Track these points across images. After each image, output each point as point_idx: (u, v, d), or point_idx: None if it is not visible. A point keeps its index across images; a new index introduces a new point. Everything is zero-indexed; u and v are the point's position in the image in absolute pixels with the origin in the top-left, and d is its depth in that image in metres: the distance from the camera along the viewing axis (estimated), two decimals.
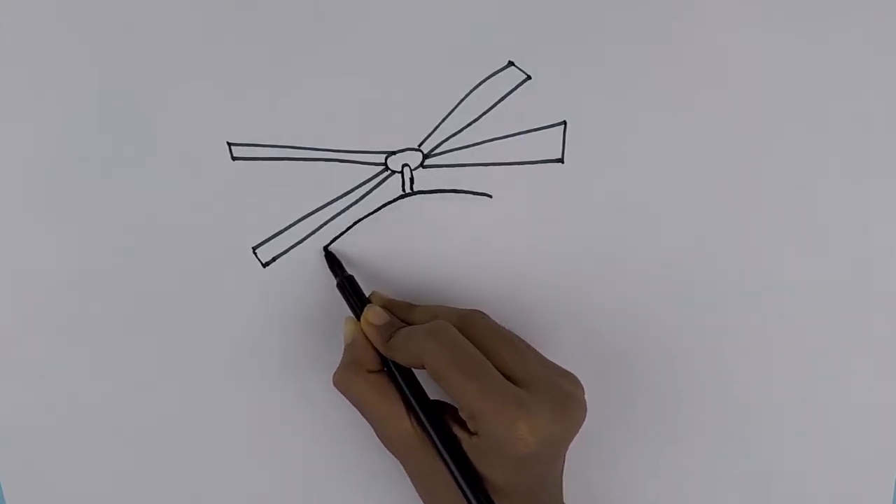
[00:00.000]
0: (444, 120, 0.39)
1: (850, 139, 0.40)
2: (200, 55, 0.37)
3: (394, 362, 0.37)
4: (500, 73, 0.39)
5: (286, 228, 0.40)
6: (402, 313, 0.38)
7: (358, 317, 0.38)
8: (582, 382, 0.37)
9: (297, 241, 0.40)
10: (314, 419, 0.42)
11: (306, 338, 0.41)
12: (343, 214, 0.40)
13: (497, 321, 0.37)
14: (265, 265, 0.40)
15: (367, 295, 0.39)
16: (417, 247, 0.40)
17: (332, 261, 0.39)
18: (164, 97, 0.38)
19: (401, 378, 0.36)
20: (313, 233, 0.40)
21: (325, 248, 0.40)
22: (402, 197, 0.40)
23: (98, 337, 0.40)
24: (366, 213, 0.40)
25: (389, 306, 0.38)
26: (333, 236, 0.40)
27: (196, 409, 0.41)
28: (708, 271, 0.42)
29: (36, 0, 0.36)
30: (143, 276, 0.40)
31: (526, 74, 0.39)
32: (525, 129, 0.40)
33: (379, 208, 0.40)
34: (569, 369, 0.37)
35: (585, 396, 0.36)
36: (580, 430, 0.36)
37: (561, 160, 0.40)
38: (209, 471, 0.42)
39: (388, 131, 0.39)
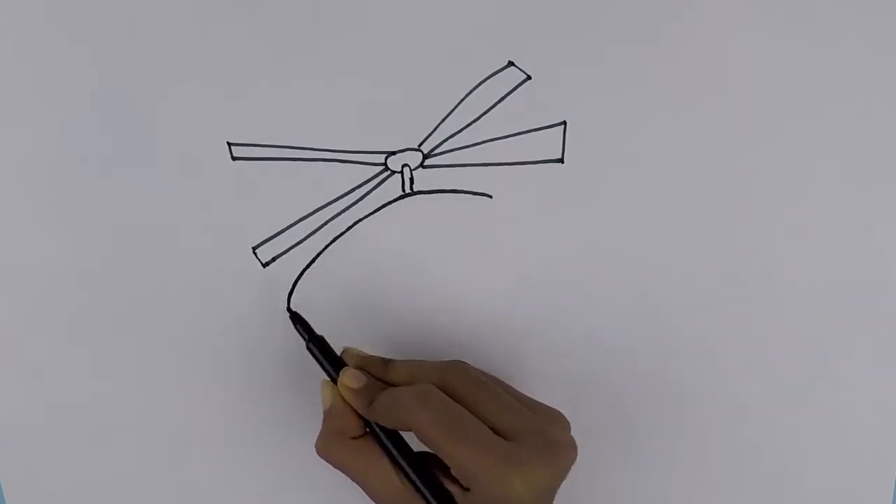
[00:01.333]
0: (444, 120, 0.39)
1: (850, 139, 0.40)
2: (200, 55, 0.37)
3: (371, 428, 0.36)
4: (500, 73, 0.39)
5: (286, 228, 0.40)
6: (378, 370, 0.37)
7: (333, 379, 0.37)
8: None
9: (297, 241, 0.40)
10: (314, 419, 0.42)
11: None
12: (343, 214, 0.40)
13: (480, 366, 0.37)
14: (265, 265, 0.40)
15: (338, 354, 0.38)
16: (417, 247, 0.40)
17: (299, 321, 0.38)
18: (164, 97, 0.38)
19: (385, 438, 0.35)
20: (313, 233, 0.40)
21: (289, 309, 0.39)
22: (402, 197, 0.40)
23: (98, 337, 0.40)
24: (366, 214, 0.40)
25: (364, 364, 0.38)
26: (333, 236, 0.40)
27: (196, 408, 0.41)
28: (708, 271, 0.42)
29: (36, 0, 0.36)
30: (143, 276, 0.40)
31: (526, 74, 0.39)
32: (525, 129, 0.40)
33: (379, 208, 0.40)
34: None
35: (572, 434, 0.36)
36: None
37: (561, 160, 0.40)
38: (209, 470, 0.42)
39: (388, 131, 0.39)
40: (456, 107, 0.39)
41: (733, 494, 0.45)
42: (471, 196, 0.40)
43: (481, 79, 0.39)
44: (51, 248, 0.39)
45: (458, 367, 0.36)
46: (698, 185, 0.41)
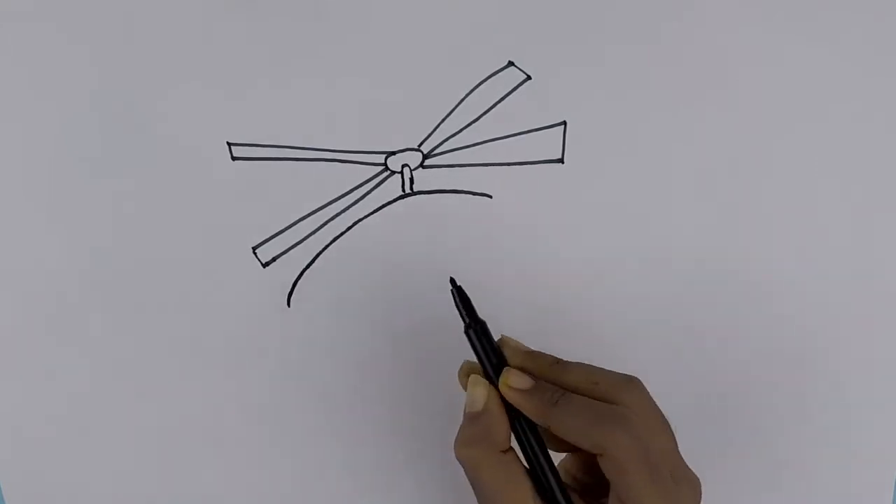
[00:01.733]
0: (444, 120, 0.39)
1: (850, 139, 0.40)
2: (200, 55, 0.37)
3: (525, 437, 0.32)
4: (500, 73, 0.39)
5: (286, 228, 0.40)
6: (548, 370, 0.33)
7: (489, 376, 0.33)
8: None
9: (297, 241, 0.40)
10: (315, 418, 0.42)
11: (306, 337, 0.41)
12: (343, 214, 0.40)
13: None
14: (265, 265, 0.40)
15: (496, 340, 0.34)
16: (417, 247, 0.40)
17: (463, 300, 0.34)
18: (164, 97, 0.38)
19: (543, 460, 0.32)
20: (313, 233, 0.40)
21: (453, 282, 0.34)
22: (402, 197, 0.40)
23: (98, 337, 0.40)
24: (366, 213, 0.40)
25: (530, 361, 0.33)
26: (333, 236, 0.40)
27: (196, 408, 0.41)
28: (708, 270, 0.42)
29: (36, 0, 0.36)
30: (144, 276, 0.40)
31: (526, 74, 0.39)
32: (525, 129, 0.40)
33: (379, 208, 0.40)
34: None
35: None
36: None
37: (561, 160, 0.40)
38: (209, 470, 0.42)
39: (388, 131, 0.39)
40: (456, 107, 0.39)
41: (733, 494, 0.45)
42: (471, 196, 0.40)
43: (481, 79, 0.39)
44: (50, 248, 0.39)
45: (638, 387, 0.33)
46: (698, 185, 0.41)
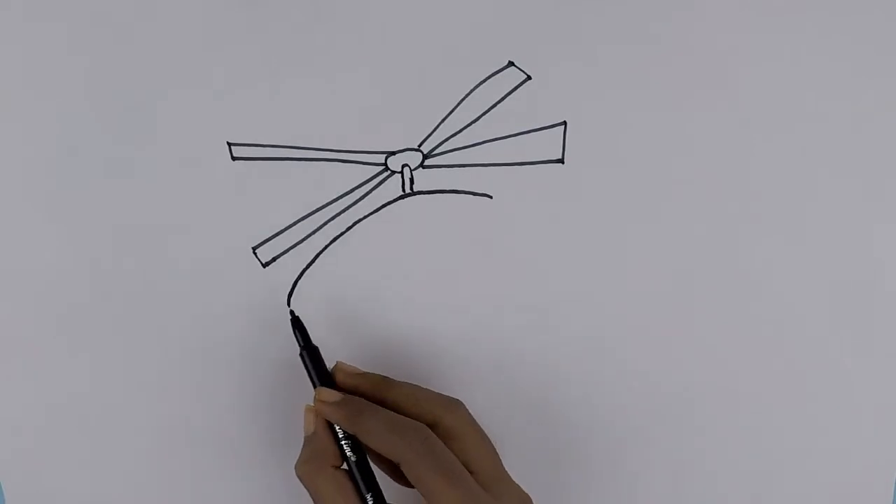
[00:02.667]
0: (444, 120, 0.39)
1: (850, 139, 0.40)
2: (200, 55, 0.37)
3: (355, 458, 0.36)
4: (500, 73, 0.39)
5: (286, 228, 0.40)
6: (377, 388, 0.37)
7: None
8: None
9: (297, 241, 0.40)
10: None
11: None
12: (343, 214, 0.40)
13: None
14: (265, 265, 0.40)
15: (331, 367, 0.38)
16: (417, 247, 0.40)
17: (298, 326, 0.38)
18: (164, 97, 0.38)
19: (361, 474, 0.35)
20: (313, 233, 0.40)
21: (291, 312, 0.39)
22: (402, 197, 0.40)
23: (98, 337, 0.40)
24: (366, 213, 0.40)
25: (359, 382, 0.37)
26: (333, 236, 0.40)
27: (196, 408, 0.41)
28: (708, 271, 0.42)
29: (36, 0, 0.36)
30: (143, 276, 0.40)
31: (526, 74, 0.39)
32: (525, 129, 0.40)
33: (379, 208, 0.40)
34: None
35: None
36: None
37: (561, 160, 0.40)
38: (209, 470, 0.42)
39: (388, 131, 0.39)
40: (456, 107, 0.39)
41: (733, 494, 0.45)
42: (471, 196, 0.40)
43: (481, 79, 0.39)
44: (51, 248, 0.39)
45: (458, 407, 0.36)
46: (698, 185, 0.41)
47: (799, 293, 0.42)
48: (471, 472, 0.34)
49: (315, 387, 0.37)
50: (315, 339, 0.40)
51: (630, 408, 0.43)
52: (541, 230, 0.41)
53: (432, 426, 0.35)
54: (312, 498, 0.35)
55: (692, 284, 0.42)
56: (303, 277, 0.40)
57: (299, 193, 0.39)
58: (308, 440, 0.37)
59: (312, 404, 0.37)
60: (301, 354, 0.38)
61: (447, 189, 0.40)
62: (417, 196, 0.40)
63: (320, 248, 0.40)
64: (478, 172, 0.40)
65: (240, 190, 0.39)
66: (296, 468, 0.36)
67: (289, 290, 0.40)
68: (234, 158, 0.39)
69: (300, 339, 0.38)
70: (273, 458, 0.42)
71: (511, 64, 0.39)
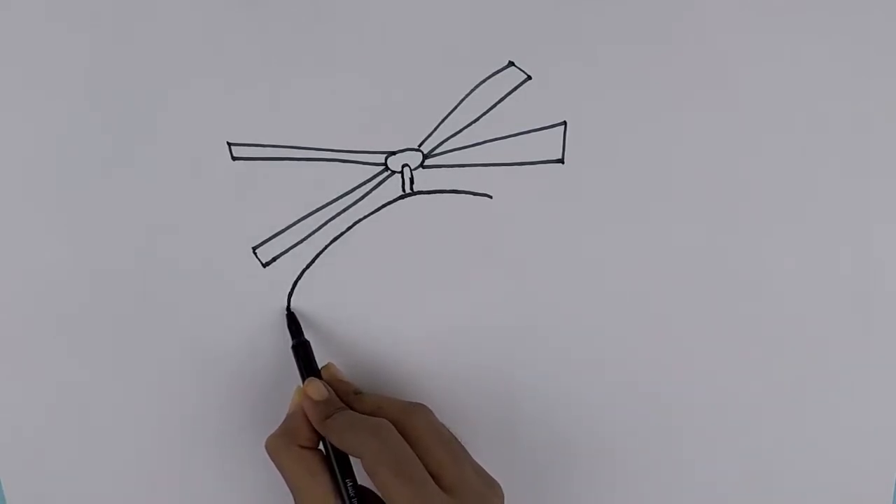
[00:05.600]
0: (444, 120, 0.39)
1: (850, 139, 0.40)
2: (200, 55, 0.37)
3: (329, 442, 0.37)
4: (500, 73, 0.39)
5: (286, 228, 0.40)
6: (347, 397, 0.39)
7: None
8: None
9: (297, 241, 0.40)
10: None
11: (306, 337, 0.41)
12: (343, 214, 0.40)
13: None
14: (265, 265, 0.40)
15: (321, 365, 0.39)
16: (417, 247, 0.40)
17: (293, 322, 0.40)
18: (164, 97, 0.38)
19: (335, 460, 0.37)
20: (313, 233, 0.40)
21: (289, 308, 0.40)
22: (402, 197, 0.40)
23: (98, 337, 0.40)
24: (366, 213, 0.40)
25: (335, 385, 0.39)
26: (333, 236, 0.40)
27: (196, 408, 0.41)
28: (707, 271, 0.42)
29: (36, 0, 0.36)
30: (143, 277, 0.40)
31: (526, 74, 0.39)
32: (525, 129, 0.40)
33: (379, 208, 0.40)
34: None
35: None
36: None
37: (561, 160, 0.40)
38: (209, 471, 0.42)
39: (388, 131, 0.39)
40: (456, 107, 0.39)
41: (733, 494, 0.45)
42: (471, 196, 0.40)
43: (481, 79, 0.39)
44: (50, 248, 0.39)
45: (420, 411, 0.37)
46: (698, 185, 0.41)
47: (799, 293, 0.42)
48: (433, 475, 0.35)
49: (303, 377, 0.39)
50: (315, 339, 0.41)
51: (629, 408, 0.43)
52: (541, 230, 0.41)
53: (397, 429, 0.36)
54: (279, 471, 0.37)
55: (692, 284, 0.42)
56: (303, 277, 0.40)
57: (299, 193, 0.39)
58: (287, 417, 0.38)
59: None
60: (293, 348, 0.39)
61: (447, 189, 0.40)
62: (417, 196, 0.40)
63: (320, 248, 0.40)
64: (478, 172, 0.40)
65: (240, 190, 0.39)
66: (265, 442, 0.37)
67: (289, 290, 0.40)
68: (234, 158, 0.39)
69: (293, 334, 0.39)
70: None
71: (511, 64, 0.39)
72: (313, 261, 0.40)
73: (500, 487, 0.37)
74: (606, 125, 0.40)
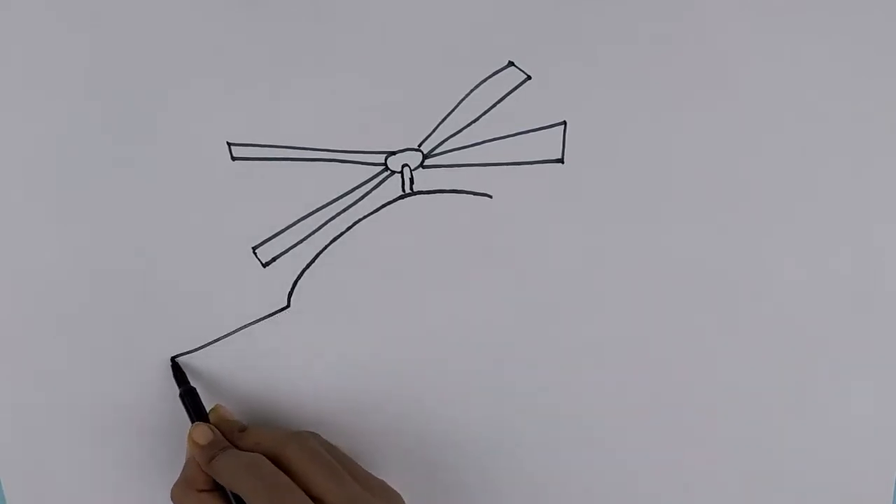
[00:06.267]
0: (444, 120, 0.39)
1: (850, 139, 0.40)
2: (200, 55, 0.37)
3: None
4: (500, 73, 0.39)
5: (286, 228, 0.40)
6: (232, 434, 0.39)
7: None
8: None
9: (297, 241, 0.40)
10: (314, 419, 0.42)
11: (306, 336, 0.41)
12: (343, 214, 0.40)
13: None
14: (265, 265, 0.40)
15: (209, 409, 0.40)
16: (417, 247, 0.40)
17: (176, 370, 0.40)
18: (164, 97, 0.38)
19: (234, 499, 0.37)
20: (313, 233, 0.40)
21: (172, 359, 0.40)
22: (402, 197, 0.40)
23: (98, 337, 0.40)
24: (366, 213, 0.40)
25: (222, 425, 0.39)
26: (333, 236, 0.40)
27: None
28: (707, 271, 0.42)
29: (36, 1, 0.36)
30: (143, 276, 0.40)
31: (526, 74, 0.39)
32: (525, 129, 0.40)
33: (379, 208, 0.40)
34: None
35: None
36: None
37: (561, 160, 0.40)
38: None
39: (388, 131, 0.39)
40: (456, 107, 0.39)
41: (733, 494, 0.45)
42: (471, 196, 0.40)
43: (481, 79, 0.39)
44: (51, 248, 0.39)
45: (297, 439, 0.38)
46: (698, 185, 0.41)
47: (799, 293, 0.42)
48: (319, 500, 0.35)
49: (192, 422, 0.39)
50: (315, 339, 0.41)
51: (629, 407, 0.43)
52: (541, 230, 0.41)
53: (275, 461, 0.37)
54: None
55: (692, 284, 0.42)
56: (303, 277, 0.40)
57: (299, 193, 0.39)
58: (185, 464, 0.39)
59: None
60: (180, 396, 0.40)
61: (447, 189, 0.40)
62: (417, 196, 0.40)
63: (320, 248, 0.40)
64: (478, 172, 0.40)
65: (240, 190, 0.39)
66: (171, 492, 0.38)
67: (289, 290, 0.40)
68: (234, 158, 0.39)
69: (178, 383, 0.40)
70: None
71: (511, 64, 0.39)
72: (313, 261, 0.40)
73: (397, 495, 0.38)
74: (606, 125, 0.40)
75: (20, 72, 0.37)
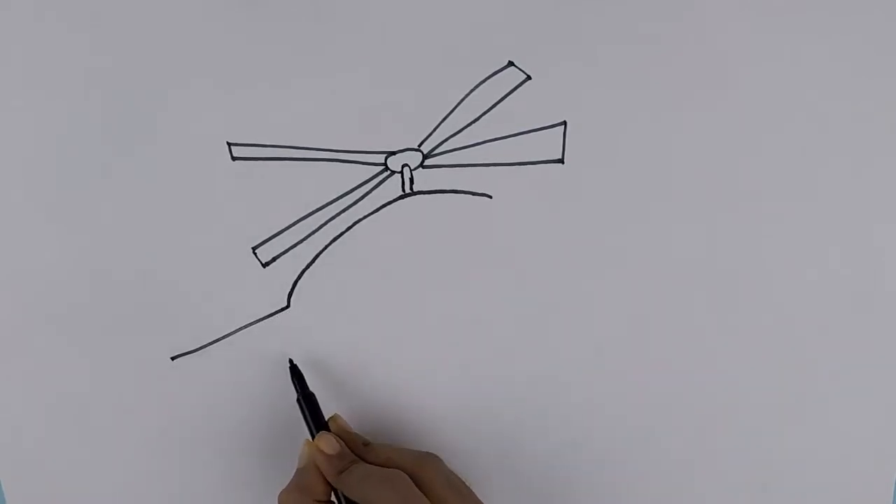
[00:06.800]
0: (444, 120, 0.39)
1: (850, 139, 0.40)
2: (200, 55, 0.37)
3: (344, 495, 0.37)
4: (500, 73, 0.39)
5: (286, 228, 0.40)
6: (357, 448, 0.39)
7: (314, 437, 0.39)
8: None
9: (297, 241, 0.40)
10: None
11: (306, 336, 0.41)
12: (343, 214, 0.40)
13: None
14: (265, 265, 0.40)
15: (327, 417, 0.40)
16: (417, 247, 0.40)
17: (296, 374, 0.40)
18: (164, 97, 0.38)
19: None
20: (313, 233, 0.40)
21: (290, 361, 0.40)
22: (402, 197, 0.40)
23: (98, 337, 0.40)
24: (366, 213, 0.40)
25: (344, 437, 0.39)
26: (333, 236, 0.40)
27: (196, 409, 0.41)
28: (707, 271, 0.42)
29: (36, 1, 0.36)
30: (143, 277, 0.40)
31: (526, 74, 0.39)
32: (525, 129, 0.40)
33: (379, 208, 0.40)
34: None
35: None
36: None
37: (561, 160, 0.40)
38: (209, 471, 0.42)
39: (388, 131, 0.39)
40: (456, 107, 0.39)
41: (733, 495, 0.45)
42: (471, 196, 0.40)
43: (481, 79, 0.39)
44: (51, 248, 0.39)
45: (432, 461, 0.38)
46: (698, 185, 0.41)
47: (798, 293, 0.42)
48: None
49: (311, 430, 0.39)
50: (315, 340, 0.41)
51: (629, 408, 0.43)
52: (541, 230, 0.41)
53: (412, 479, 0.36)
54: None
55: (692, 284, 0.42)
56: (303, 277, 0.40)
57: (299, 193, 0.39)
58: (298, 471, 0.38)
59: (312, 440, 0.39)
60: (298, 401, 0.39)
61: (447, 189, 0.40)
62: (417, 196, 0.40)
63: (320, 248, 0.40)
64: (478, 172, 0.40)
65: (240, 190, 0.39)
66: (279, 495, 0.37)
67: (289, 290, 0.40)
68: (234, 158, 0.39)
69: (297, 386, 0.40)
70: (272, 459, 0.42)
71: (511, 64, 0.39)
72: (313, 261, 0.40)
73: None
74: (606, 125, 0.40)
75: (20, 72, 0.37)
